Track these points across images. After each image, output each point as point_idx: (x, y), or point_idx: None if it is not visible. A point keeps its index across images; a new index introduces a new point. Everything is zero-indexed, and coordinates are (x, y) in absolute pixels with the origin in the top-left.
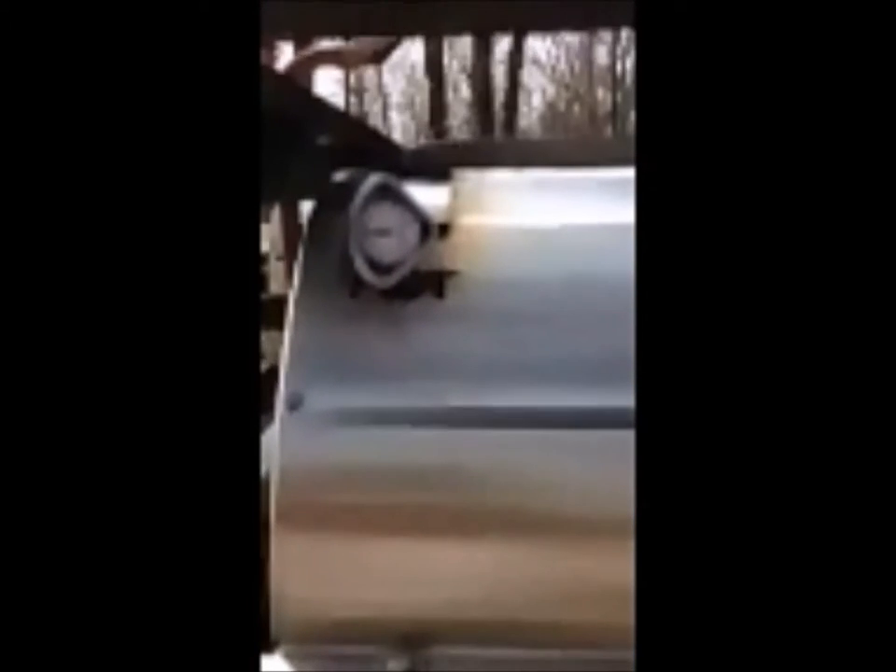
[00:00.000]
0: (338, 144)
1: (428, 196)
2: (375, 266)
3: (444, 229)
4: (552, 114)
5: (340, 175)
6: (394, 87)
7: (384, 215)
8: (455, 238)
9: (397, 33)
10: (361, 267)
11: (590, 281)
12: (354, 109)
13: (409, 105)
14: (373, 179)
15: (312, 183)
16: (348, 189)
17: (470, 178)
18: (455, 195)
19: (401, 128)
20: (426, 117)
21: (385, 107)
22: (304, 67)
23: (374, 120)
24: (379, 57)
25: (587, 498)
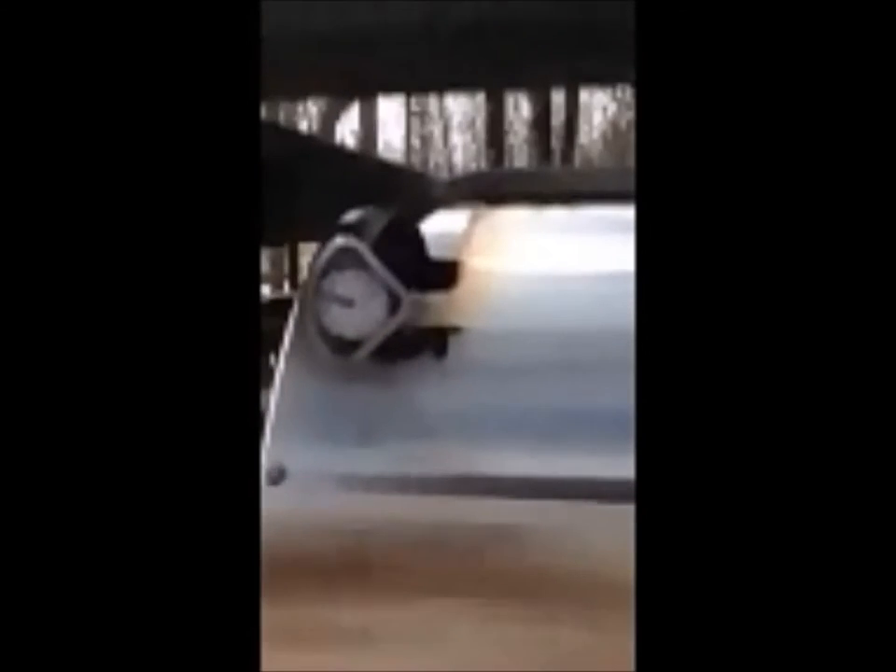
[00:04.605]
0: (350, 183)
1: (445, 229)
2: (332, 341)
3: (453, 269)
4: (613, 132)
5: (348, 216)
6: (455, 108)
7: (346, 283)
8: (462, 286)
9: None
10: (315, 341)
11: (611, 333)
12: (415, 131)
13: (470, 125)
14: (337, 241)
15: (319, 225)
16: (356, 229)
17: (488, 216)
18: (468, 234)
19: (462, 149)
20: (485, 137)
21: (447, 129)
22: None
23: (436, 142)
24: None
25: (590, 571)
